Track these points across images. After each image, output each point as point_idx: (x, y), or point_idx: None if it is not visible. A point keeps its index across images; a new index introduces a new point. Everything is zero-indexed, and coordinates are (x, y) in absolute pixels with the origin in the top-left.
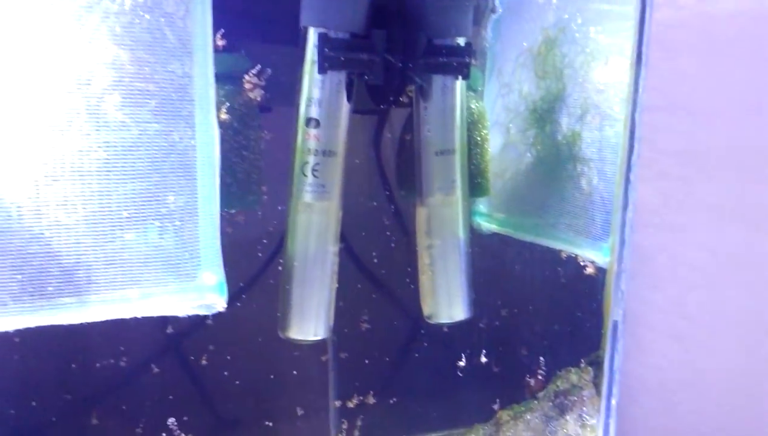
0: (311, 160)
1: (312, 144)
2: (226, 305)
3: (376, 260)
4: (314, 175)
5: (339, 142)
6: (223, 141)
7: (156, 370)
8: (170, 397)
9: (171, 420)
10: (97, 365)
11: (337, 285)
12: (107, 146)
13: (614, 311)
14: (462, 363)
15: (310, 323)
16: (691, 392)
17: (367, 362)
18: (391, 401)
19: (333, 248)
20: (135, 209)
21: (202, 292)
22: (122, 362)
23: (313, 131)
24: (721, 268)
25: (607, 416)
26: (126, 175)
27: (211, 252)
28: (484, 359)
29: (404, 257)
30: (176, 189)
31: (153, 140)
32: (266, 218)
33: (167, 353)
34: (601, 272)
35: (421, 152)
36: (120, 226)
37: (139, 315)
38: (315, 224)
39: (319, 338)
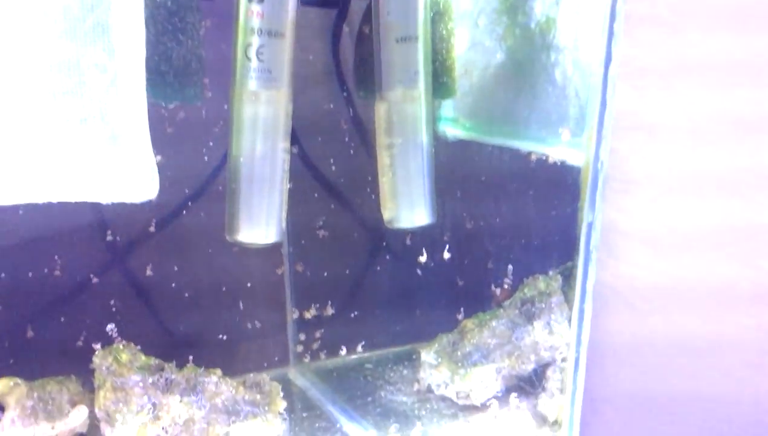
0: (255, 41)
1: (255, 22)
2: (156, 194)
3: (333, 168)
4: (259, 59)
5: (286, 22)
6: (155, 21)
7: (95, 280)
8: (113, 310)
9: (110, 326)
10: (30, 274)
11: (289, 186)
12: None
13: (587, 214)
14: (425, 275)
15: (260, 225)
16: (664, 299)
17: (325, 274)
18: (352, 315)
19: (283, 144)
20: (49, 82)
21: (129, 176)
22: (57, 271)
23: (256, 8)
24: (697, 173)
25: (580, 323)
26: (40, 43)
27: (138, 130)
28: (448, 272)
29: (363, 165)
30: (94, 57)
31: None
32: (210, 116)
33: (108, 264)
34: (574, 173)
35: (381, 40)
36: (35, 100)
37: (58, 198)
38: (262, 116)
39: (270, 241)
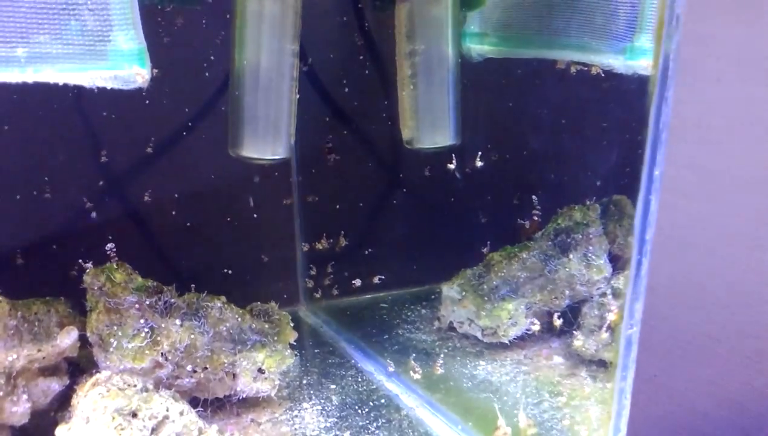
0: None
1: None
2: (148, 79)
3: (346, 89)
4: None
5: None
6: None
7: (88, 205)
8: (108, 239)
9: (110, 246)
10: (18, 197)
11: (297, 95)
12: None
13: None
14: (445, 209)
15: (266, 137)
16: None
17: (337, 206)
18: (366, 251)
19: (291, 46)
20: None
21: (116, 59)
22: (47, 194)
23: None
24: None
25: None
26: None
27: (124, 9)
28: (471, 205)
29: (379, 86)
30: None
31: None
32: (212, 25)
33: (102, 188)
34: (623, 85)
35: None
36: None
37: (34, 79)
38: (268, 14)
39: (278, 157)
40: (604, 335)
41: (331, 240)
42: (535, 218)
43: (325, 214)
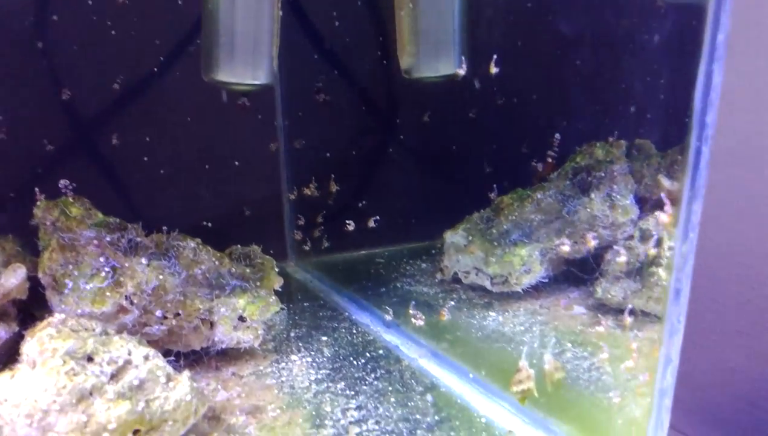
0: None
1: None
2: None
3: (337, 23)
4: None
5: None
6: None
7: (49, 148)
8: (71, 187)
9: (63, 182)
10: None
11: (281, 13)
12: None
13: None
14: (446, 157)
15: (245, 60)
16: None
17: (327, 154)
18: (360, 205)
19: None
20: None
21: None
22: (2, 134)
23: None
24: None
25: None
26: None
27: None
28: (475, 149)
29: (373, 20)
30: None
31: None
32: None
33: (64, 128)
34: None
35: None
36: None
37: None
38: None
39: (259, 83)
40: (632, 282)
41: (321, 187)
42: (550, 160)
43: (314, 162)
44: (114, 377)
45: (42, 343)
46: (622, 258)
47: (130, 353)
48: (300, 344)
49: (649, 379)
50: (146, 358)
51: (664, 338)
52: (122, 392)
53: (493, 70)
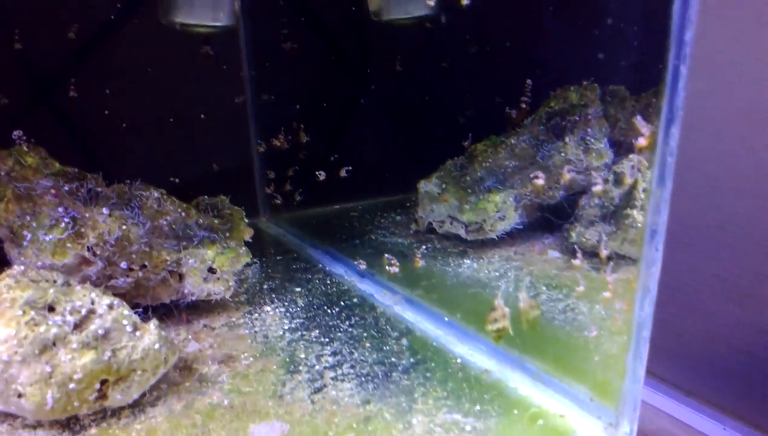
0: None
1: None
2: None
3: None
4: None
5: None
6: None
7: (4, 101)
8: (26, 138)
9: (17, 133)
10: None
11: None
12: None
13: None
14: (419, 107)
15: (204, 0)
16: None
17: (297, 106)
18: (331, 159)
19: None
20: None
21: None
22: None
23: None
24: None
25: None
26: None
27: None
28: (449, 99)
29: None
30: None
31: None
32: None
33: (16, 79)
34: None
35: None
36: None
37: None
38: None
39: (219, 24)
40: (605, 226)
41: (290, 140)
42: (523, 107)
43: (283, 114)
44: (77, 326)
45: (0, 294)
46: (595, 202)
47: (93, 303)
48: (273, 296)
49: (626, 308)
50: (111, 307)
51: (641, 267)
52: (87, 341)
53: (465, 2)
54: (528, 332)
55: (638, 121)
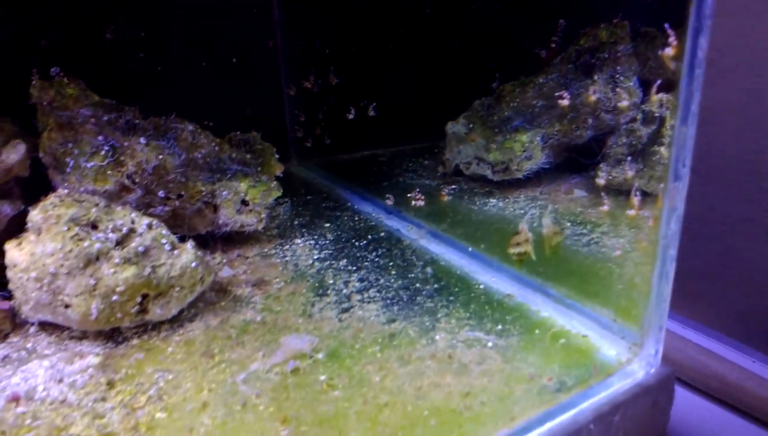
0: None
1: None
2: None
3: None
4: None
5: None
6: None
7: (43, 43)
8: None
9: (54, 69)
10: None
11: None
12: None
13: None
14: (449, 52)
15: None
16: None
17: (327, 50)
18: (361, 105)
19: None
20: None
21: None
22: None
23: None
24: None
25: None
26: None
27: None
28: (478, 40)
29: None
30: None
31: None
32: None
33: (56, 21)
34: None
35: None
36: None
37: None
38: None
39: None
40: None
41: (321, 83)
42: (553, 46)
43: (313, 59)
44: (119, 243)
45: (46, 211)
46: (623, 140)
47: (133, 222)
48: (303, 230)
49: (653, 225)
50: (150, 226)
51: (668, 183)
52: (128, 257)
53: None
54: (551, 259)
55: (666, 28)
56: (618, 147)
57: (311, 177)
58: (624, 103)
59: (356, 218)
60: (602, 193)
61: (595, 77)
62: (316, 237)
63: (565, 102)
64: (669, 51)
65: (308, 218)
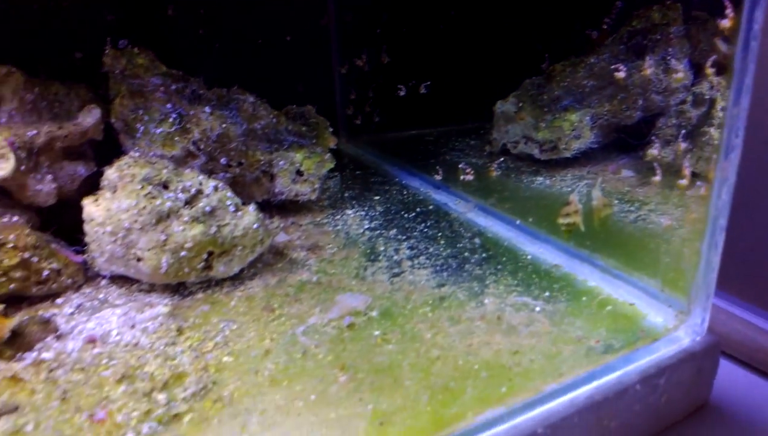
0: None
1: None
2: None
3: None
4: None
5: None
6: None
7: (110, 18)
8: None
9: (123, 41)
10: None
11: None
12: None
13: None
14: (497, 30)
15: None
16: None
17: (378, 30)
18: (410, 84)
19: None
20: None
21: None
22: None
23: None
24: None
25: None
26: None
27: None
28: (528, 31)
29: None
30: None
31: None
32: None
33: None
34: None
35: None
36: None
37: None
38: None
39: None
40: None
41: (372, 61)
42: (605, 27)
43: (364, 38)
44: (188, 203)
45: (122, 170)
46: (673, 121)
47: (201, 184)
48: (353, 202)
49: (705, 193)
50: (216, 188)
51: (721, 154)
52: (196, 216)
53: None
54: (599, 231)
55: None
56: (667, 128)
57: (359, 154)
58: (674, 85)
59: (404, 192)
60: (655, 167)
61: (647, 58)
62: (366, 208)
63: (621, 74)
64: (726, 22)
65: (357, 191)
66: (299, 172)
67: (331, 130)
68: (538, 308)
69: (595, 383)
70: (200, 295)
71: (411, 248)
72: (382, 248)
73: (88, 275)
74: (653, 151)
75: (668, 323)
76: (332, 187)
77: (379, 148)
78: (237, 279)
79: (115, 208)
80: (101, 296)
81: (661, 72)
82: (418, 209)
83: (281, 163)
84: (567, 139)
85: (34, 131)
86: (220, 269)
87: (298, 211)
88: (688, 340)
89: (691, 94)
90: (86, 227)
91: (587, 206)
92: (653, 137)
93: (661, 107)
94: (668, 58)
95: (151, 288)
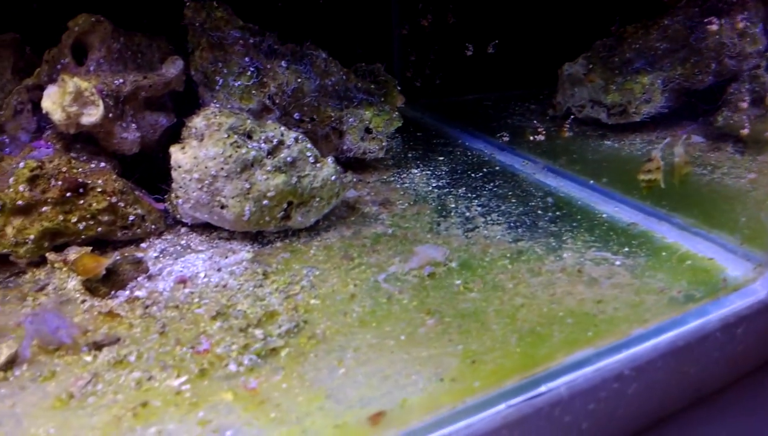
0: None
1: None
2: None
3: None
4: None
5: None
6: None
7: None
8: None
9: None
10: None
11: None
12: None
13: None
14: (559, 7)
15: None
16: None
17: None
18: (470, 46)
19: None
20: None
21: None
22: None
23: None
24: None
25: None
26: None
27: None
28: None
29: None
30: None
31: None
32: None
33: None
34: None
35: None
36: None
37: None
38: None
39: None
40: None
41: (435, 22)
42: None
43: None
44: (270, 153)
45: (209, 118)
46: (746, 87)
47: (282, 135)
48: (418, 162)
49: None
50: (297, 140)
51: None
52: (278, 166)
53: None
54: (679, 190)
55: None
56: (740, 93)
57: (418, 116)
58: (749, 50)
59: (468, 154)
60: (719, 142)
61: (722, 22)
62: (431, 168)
63: (714, 27)
64: None
65: (421, 151)
66: (368, 130)
67: (399, 88)
68: (618, 262)
69: (678, 330)
70: (279, 244)
71: (482, 206)
72: (452, 205)
73: (168, 223)
74: (722, 119)
75: (747, 275)
76: (395, 147)
77: (439, 111)
78: (313, 230)
79: (203, 156)
80: (183, 242)
81: (735, 36)
82: (484, 170)
83: (351, 120)
84: (637, 103)
85: (121, 80)
86: (298, 220)
87: (365, 169)
88: (765, 293)
89: (765, 59)
90: (174, 174)
91: (668, 163)
92: (724, 103)
93: (733, 72)
94: (743, 21)
95: (231, 236)
